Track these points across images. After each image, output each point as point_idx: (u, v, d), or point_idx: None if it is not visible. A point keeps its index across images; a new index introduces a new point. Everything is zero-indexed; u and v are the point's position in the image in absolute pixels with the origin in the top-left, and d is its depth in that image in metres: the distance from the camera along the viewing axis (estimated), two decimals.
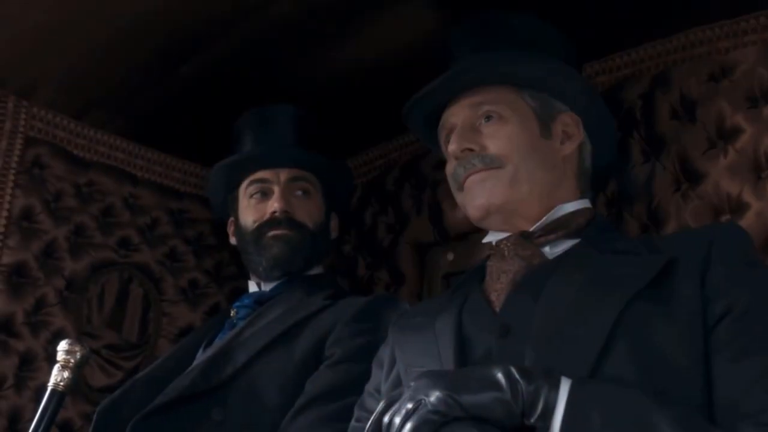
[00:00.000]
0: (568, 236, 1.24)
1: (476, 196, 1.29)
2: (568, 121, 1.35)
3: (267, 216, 1.74)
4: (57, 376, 1.53)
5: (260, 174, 1.78)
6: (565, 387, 0.91)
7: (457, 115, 1.35)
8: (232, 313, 1.76)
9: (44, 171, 2.12)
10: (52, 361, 1.58)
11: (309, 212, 1.77)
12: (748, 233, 1.15)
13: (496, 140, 1.29)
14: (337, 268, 2.24)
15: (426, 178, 2.09)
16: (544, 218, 1.27)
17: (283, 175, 1.77)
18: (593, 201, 1.41)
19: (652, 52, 1.70)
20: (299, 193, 1.78)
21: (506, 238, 1.26)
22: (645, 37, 1.70)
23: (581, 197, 1.33)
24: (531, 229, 1.26)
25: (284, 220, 1.73)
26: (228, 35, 1.85)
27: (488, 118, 1.31)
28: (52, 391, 1.52)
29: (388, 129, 1.98)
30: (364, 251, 2.22)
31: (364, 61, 1.93)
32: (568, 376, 0.93)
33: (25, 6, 1.76)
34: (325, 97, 1.96)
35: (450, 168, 1.35)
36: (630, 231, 1.62)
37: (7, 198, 2.03)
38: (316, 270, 1.82)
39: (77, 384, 1.63)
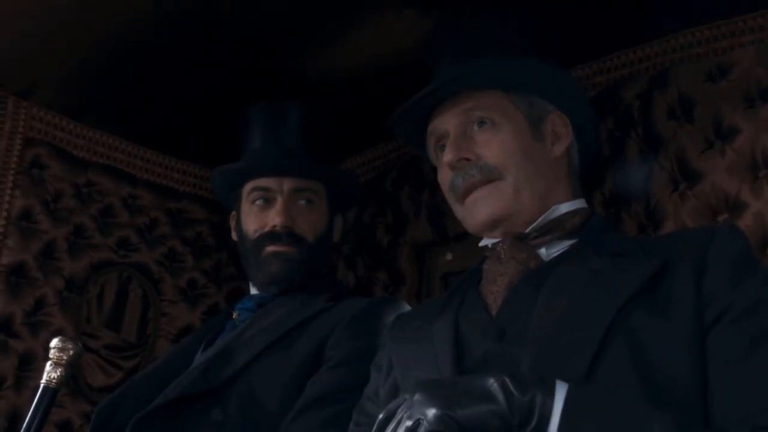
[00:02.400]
0: (564, 237, 1.24)
1: (480, 211, 1.27)
2: (556, 121, 1.33)
3: (267, 228, 1.69)
4: (49, 373, 1.53)
5: (263, 182, 1.72)
6: (560, 395, 0.90)
7: (448, 121, 1.32)
8: (234, 314, 1.75)
9: (43, 171, 2.13)
10: None
11: (311, 223, 1.73)
12: (744, 234, 1.14)
13: (491, 148, 1.27)
14: (336, 270, 2.25)
15: (425, 179, 2.09)
16: (539, 219, 1.26)
17: (287, 184, 1.71)
18: (588, 200, 1.40)
19: (649, 52, 1.71)
20: (302, 202, 1.73)
21: (502, 241, 1.25)
22: (643, 37, 1.71)
23: (576, 197, 1.32)
24: (526, 231, 1.25)
25: (284, 234, 1.68)
26: (227, 36, 1.85)
27: (481, 123, 1.29)
28: (45, 387, 1.52)
29: (386, 130, 1.97)
30: (362, 252, 2.22)
31: (363, 61, 1.93)
32: (564, 380, 0.92)
33: (24, 7, 1.76)
34: (324, 98, 1.95)
35: (446, 178, 1.32)
36: (628, 231, 1.62)
37: (7, 198, 2.04)
38: None
39: (70, 380, 1.63)
